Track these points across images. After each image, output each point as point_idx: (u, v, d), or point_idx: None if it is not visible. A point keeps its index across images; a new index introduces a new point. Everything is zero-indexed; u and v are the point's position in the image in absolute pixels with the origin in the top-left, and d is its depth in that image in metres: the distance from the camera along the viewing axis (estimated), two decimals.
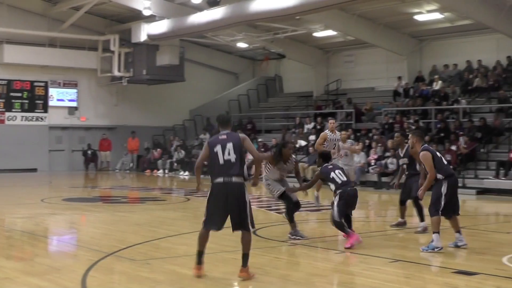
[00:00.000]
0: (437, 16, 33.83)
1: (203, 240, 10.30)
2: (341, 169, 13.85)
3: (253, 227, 10.39)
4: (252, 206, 10.40)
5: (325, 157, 14.14)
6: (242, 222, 10.16)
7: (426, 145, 13.42)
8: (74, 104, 41.09)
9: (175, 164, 38.53)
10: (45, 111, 40.12)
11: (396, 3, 32.58)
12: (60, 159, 40.58)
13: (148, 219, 18.13)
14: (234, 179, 10.52)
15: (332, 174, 13.28)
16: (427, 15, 33.91)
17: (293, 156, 15.46)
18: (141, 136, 41.58)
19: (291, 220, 14.05)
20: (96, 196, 26.16)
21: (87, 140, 41.26)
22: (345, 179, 13.39)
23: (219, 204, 10.25)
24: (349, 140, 20.53)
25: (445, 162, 13.14)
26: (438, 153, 13.20)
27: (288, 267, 12.12)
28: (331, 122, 19.28)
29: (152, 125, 42.53)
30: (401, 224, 15.94)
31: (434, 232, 12.64)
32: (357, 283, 10.43)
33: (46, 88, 40.15)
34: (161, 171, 38.91)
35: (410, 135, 13.97)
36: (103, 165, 41.00)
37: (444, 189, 12.70)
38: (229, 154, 10.63)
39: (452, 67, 35.29)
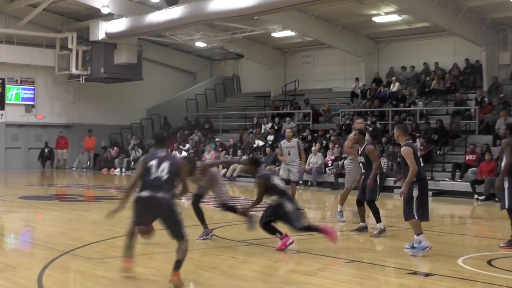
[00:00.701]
0: (395, 18, 34.07)
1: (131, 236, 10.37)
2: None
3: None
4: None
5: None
6: (176, 233, 10.02)
7: (409, 140, 13.09)
8: (31, 102, 40.81)
9: (132, 163, 38.22)
10: (2, 108, 39.77)
11: (354, 5, 32.71)
12: (16, 157, 40.27)
13: (104, 218, 18.14)
14: (160, 194, 10.26)
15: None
16: (385, 17, 34.15)
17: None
18: (98, 135, 41.45)
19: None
20: (52, 194, 25.99)
21: (44, 138, 41.00)
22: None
23: (145, 214, 10.23)
24: (294, 139, 21.07)
25: (422, 165, 12.91)
26: (417, 153, 12.94)
27: (243, 266, 12.06)
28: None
29: (110, 123, 42.38)
30: (363, 229, 15.60)
31: (417, 234, 12.46)
32: (312, 283, 10.36)
33: (3, 85, 39.76)
34: (118, 169, 38.74)
35: (395, 128, 13.69)
36: (59, 163, 40.77)
37: (415, 192, 12.44)
38: (162, 171, 10.39)
39: (409, 69, 35.55)
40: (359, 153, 15.37)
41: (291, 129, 21.60)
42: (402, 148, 12.70)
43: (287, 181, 19.78)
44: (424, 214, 12.55)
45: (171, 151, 35.63)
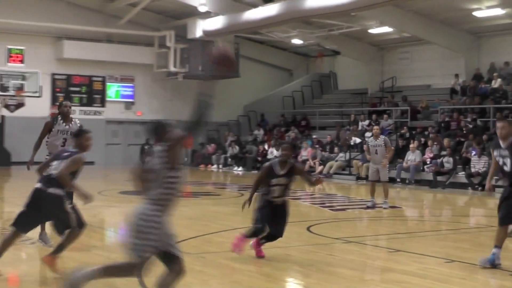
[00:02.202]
0: (497, 12, 33.47)
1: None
2: None
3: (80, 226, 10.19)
4: None
5: None
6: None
7: None
8: (130, 99, 41.58)
9: (229, 159, 38.71)
10: (103, 105, 40.67)
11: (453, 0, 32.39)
12: (116, 152, 41.07)
13: (201, 214, 18.36)
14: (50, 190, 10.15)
15: None
16: (486, 11, 33.52)
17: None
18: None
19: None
20: None
21: (142, 134, 41.52)
22: None
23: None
24: (381, 136, 20.63)
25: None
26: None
27: (341, 264, 11.88)
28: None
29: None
30: None
31: None
32: (411, 283, 10.20)
33: (103, 83, 40.67)
34: (215, 166, 39.09)
35: (502, 123, 11.40)
36: None
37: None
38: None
39: None
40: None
41: (378, 127, 21.07)
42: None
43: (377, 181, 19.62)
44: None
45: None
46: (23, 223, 10.08)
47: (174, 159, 7.74)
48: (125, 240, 7.87)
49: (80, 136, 10.98)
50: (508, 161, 11.09)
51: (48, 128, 13.78)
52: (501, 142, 11.21)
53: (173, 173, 7.68)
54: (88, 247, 12.73)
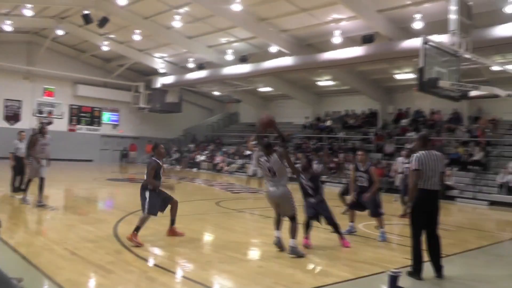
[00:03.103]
0: (330, 83, 34.28)
1: None
2: None
3: None
4: None
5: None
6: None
7: (370, 162, 10.68)
8: (116, 122, 41.36)
9: (173, 161, 38.77)
10: (99, 125, 40.28)
11: (306, 75, 32.80)
12: (106, 155, 40.49)
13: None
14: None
15: None
16: (324, 82, 34.38)
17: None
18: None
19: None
20: (126, 178, 26.13)
21: (123, 144, 41.52)
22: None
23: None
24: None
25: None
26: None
27: (236, 224, 11.64)
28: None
29: (161, 136, 42.50)
30: None
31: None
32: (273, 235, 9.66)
33: (100, 112, 40.31)
34: (165, 165, 38.46)
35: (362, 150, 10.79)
36: (131, 160, 41.18)
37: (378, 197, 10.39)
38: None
39: (337, 113, 35.51)
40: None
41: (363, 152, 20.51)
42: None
43: None
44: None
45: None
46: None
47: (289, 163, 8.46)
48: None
49: (157, 147, 9.49)
50: (364, 179, 10.42)
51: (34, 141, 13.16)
52: (360, 165, 10.55)
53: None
54: (87, 212, 12.44)
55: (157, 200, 8.98)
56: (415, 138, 8.64)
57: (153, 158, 9.22)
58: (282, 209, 8.56)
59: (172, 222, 9.54)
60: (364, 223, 11.93)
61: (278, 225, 8.77)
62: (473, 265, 8.55)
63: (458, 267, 8.31)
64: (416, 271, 7.31)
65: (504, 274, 8.17)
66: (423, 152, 7.40)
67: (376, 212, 10.31)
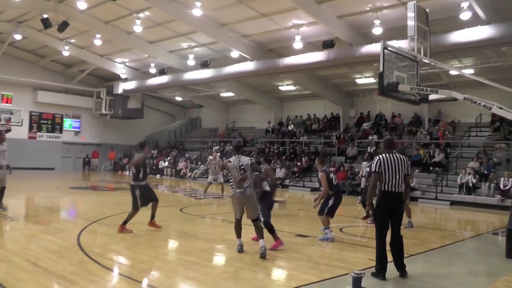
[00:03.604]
0: (292, 87, 34.61)
1: None
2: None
3: None
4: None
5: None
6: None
7: (324, 167, 10.63)
8: (78, 129, 40.71)
9: None
10: (61, 132, 39.54)
11: (268, 80, 33.01)
12: (68, 162, 39.89)
13: (118, 200, 17.90)
14: (131, 183, 11.03)
15: None
16: (286, 87, 34.68)
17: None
18: (117, 150, 41.40)
19: None
20: (88, 186, 25.62)
21: (85, 151, 40.93)
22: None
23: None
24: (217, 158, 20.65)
25: (334, 184, 10.50)
26: (331, 175, 10.54)
27: (198, 230, 11.60)
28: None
29: (123, 143, 42.29)
30: None
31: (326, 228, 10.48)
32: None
33: (62, 118, 39.59)
34: (127, 172, 37.90)
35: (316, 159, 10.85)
36: (93, 167, 40.61)
37: (331, 201, 10.39)
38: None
39: (299, 117, 35.76)
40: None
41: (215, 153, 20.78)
42: (319, 174, 10.61)
43: None
44: (333, 212, 10.58)
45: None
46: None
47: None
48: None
49: (143, 146, 11.27)
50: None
51: None
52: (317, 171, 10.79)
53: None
54: (48, 221, 12.25)
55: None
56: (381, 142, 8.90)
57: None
58: (248, 211, 8.79)
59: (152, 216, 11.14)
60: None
61: (239, 232, 9.08)
62: (435, 264, 8.75)
63: (421, 266, 8.52)
64: (380, 272, 7.44)
65: (465, 271, 8.48)
66: (385, 155, 7.57)
67: (318, 211, 10.55)
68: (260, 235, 8.66)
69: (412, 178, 22.07)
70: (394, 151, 7.69)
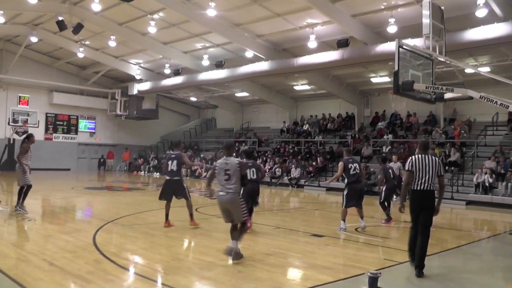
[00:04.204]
0: (306, 87, 34.54)
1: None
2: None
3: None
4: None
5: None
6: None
7: (347, 158, 11.95)
8: (93, 130, 40.97)
9: (151, 168, 38.62)
10: (76, 133, 39.81)
11: (282, 79, 32.99)
12: (83, 163, 40.17)
13: (133, 200, 18.10)
14: (174, 178, 11.34)
15: None
16: (301, 86, 34.63)
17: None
18: (131, 150, 41.73)
19: None
20: (103, 186, 25.77)
21: (100, 152, 41.23)
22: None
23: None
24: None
25: (351, 173, 11.67)
26: (350, 165, 11.77)
27: (214, 229, 11.56)
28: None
29: (138, 144, 42.62)
30: None
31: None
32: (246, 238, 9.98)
33: (77, 120, 39.86)
34: (142, 172, 38.61)
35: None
36: (109, 168, 40.85)
37: (345, 191, 11.69)
38: (171, 164, 11.42)
39: (314, 117, 35.66)
40: None
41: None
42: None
43: None
44: (354, 203, 11.72)
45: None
46: (165, 197, 11.60)
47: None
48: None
49: (179, 145, 11.98)
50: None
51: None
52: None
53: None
54: (64, 221, 12.37)
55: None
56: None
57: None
58: (233, 215, 8.35)
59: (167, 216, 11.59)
60: (349, 224, 11.97)
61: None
62: (451, 264, 8.67)
63: (437, 266, 8.47)
64: (411, 263, 7.97)
65: (481, 271, 8.37)
66: (418, 155, 8.02)
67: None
68: (239, 237, 8.36)
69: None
70: (427, 153, 8.08)
